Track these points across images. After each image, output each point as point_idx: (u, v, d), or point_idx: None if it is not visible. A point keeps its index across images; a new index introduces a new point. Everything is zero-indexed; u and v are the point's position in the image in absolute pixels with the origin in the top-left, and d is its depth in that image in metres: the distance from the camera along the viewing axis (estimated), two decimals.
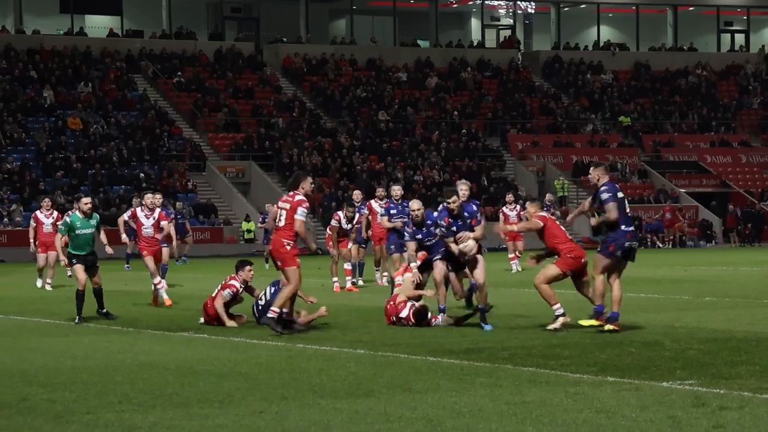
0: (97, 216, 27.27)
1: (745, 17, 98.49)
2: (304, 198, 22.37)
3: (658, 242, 74.83)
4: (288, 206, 22.33)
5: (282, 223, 22.33)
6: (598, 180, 21.89)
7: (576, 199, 74.94)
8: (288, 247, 22.27)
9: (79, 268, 26.10)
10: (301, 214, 22.11)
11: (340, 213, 35.15)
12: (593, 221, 21.91)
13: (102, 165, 72.27)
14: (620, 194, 21.70)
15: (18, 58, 79.56)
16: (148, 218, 30.42)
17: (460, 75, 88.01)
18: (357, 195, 36.83)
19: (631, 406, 13.89)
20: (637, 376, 16.27)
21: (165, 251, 34.80)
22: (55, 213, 37.72)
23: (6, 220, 65.59)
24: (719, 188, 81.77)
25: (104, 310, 26.66)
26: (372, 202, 35.12)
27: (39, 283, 38.58)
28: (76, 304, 25.98)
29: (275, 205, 23.12)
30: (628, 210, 21.98)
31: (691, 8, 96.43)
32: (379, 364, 17.87)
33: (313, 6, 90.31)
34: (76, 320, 25.86)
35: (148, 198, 30.96)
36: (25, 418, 13.63)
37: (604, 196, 21.55)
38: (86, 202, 26.89)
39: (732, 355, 18.59)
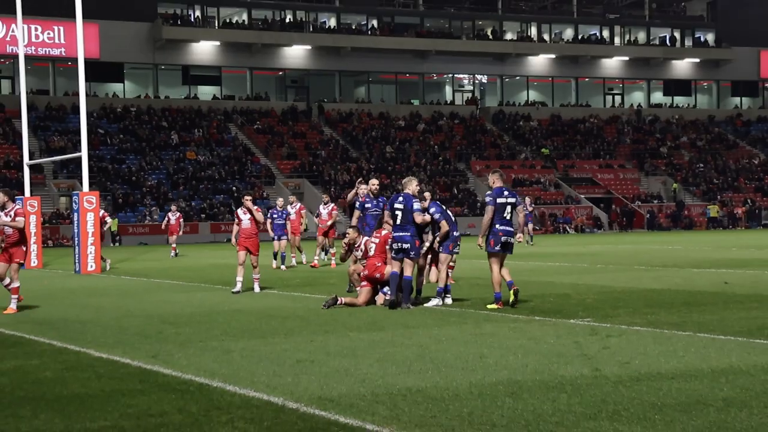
0: None
1: (621, 84, 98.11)
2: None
3: (568, 229, 74.80)
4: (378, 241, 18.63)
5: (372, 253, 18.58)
6: (493, 183, 17.64)
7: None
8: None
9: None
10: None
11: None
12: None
13: (208, 181, 72.47)
14: (501, 200, 17.33)
15: (155, 114, 79.78)
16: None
17: (438, 122, 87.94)
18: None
19: (550, 335, 13.98)
20: (554, 316, 16.30)
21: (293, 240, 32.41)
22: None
23: (148, 218, 65.71)
24: (606, 195, 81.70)
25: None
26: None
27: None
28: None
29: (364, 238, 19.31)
30: (506, 213, 17.34)
31: (586, 79, 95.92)
32: (388, 311, 17.82)
33: (344, 78, 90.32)
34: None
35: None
36: (162, 344, 13.83)
37: (487, 199, 17.49)
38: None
39: (614, 302, 18.62)
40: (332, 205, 32.65)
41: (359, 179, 22.15)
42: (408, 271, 17.74)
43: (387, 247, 18.39)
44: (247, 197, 22.69)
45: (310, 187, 73.04)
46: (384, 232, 18.72)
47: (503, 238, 17.39)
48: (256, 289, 22.45)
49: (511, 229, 17.62)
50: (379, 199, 21.41)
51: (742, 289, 20.69)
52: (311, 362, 11.89)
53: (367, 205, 21.31)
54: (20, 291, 19.23)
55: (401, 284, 17.78)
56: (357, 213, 21.09)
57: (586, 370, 10.98)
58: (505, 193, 17.64)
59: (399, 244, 17.68)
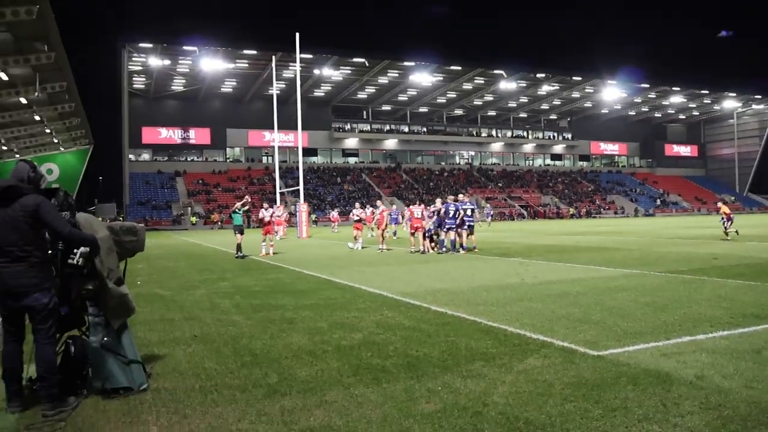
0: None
1: (532, 156, 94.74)
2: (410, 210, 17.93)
3: (487, 219, 72.45)
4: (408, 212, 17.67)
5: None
6: (460, 199, 17.50)
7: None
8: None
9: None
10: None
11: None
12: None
13: (354, 199, 70.40)
14: (462, 206, 17.14)
15: (331, 170, 79.83)
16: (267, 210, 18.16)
17: (453, 172, 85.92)
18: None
19: (502, 265, 13.16)
20: (503, 256, 15.13)
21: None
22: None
23: (328, 213, 64.69)
24: (526, 203, 79.02)
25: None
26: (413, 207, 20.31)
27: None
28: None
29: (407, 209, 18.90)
30: (458, 213, 17.02)
31: (517, 153, 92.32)
32: (429, 255, 17.21)
33: (411, 153, 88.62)
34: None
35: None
36: (332, 268, 13.45)
37: (458, 204, 17.28)
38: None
39: (530, 250, 17.36)
40: (382, 207, 22.59)
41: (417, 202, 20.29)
42: (452, 236, 17.42)
43: (433, 222, 17.54)
44: (357, 204, 22.28)
45: (398, 201, 72.58)
46: (420, 208, 18.11)
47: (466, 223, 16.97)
48: (359, 247, 19.75)
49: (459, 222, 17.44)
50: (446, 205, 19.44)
51: (590, 244, 19.51)
52: (397, 277, 11.72)
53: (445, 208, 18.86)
54: (275, 247, 19.12)
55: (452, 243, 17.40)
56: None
57: (517, 280, 10.75)
58: (464, 204, 17.61)
59: (451, 224, 17.38)
